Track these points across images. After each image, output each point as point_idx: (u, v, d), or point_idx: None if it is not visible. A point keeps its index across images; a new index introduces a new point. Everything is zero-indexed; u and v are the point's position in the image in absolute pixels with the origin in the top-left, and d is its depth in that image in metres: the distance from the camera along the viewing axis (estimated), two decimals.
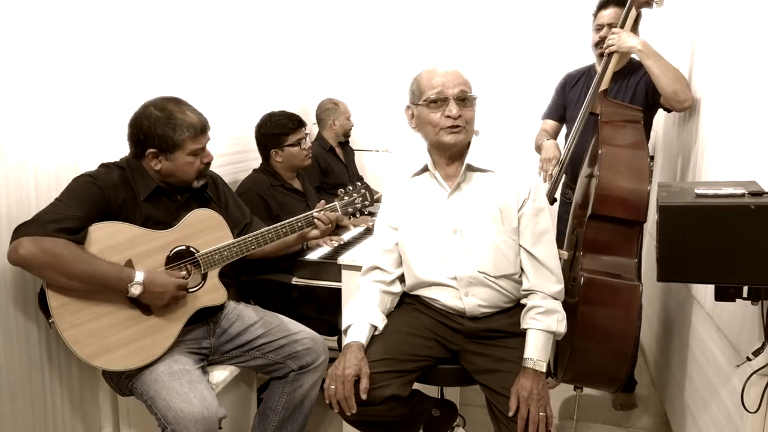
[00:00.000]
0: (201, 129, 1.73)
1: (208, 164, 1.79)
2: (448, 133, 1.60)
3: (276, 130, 2.46)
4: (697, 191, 1.22)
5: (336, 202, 1.93)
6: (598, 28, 2.36)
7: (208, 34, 2.55)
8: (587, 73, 2.49)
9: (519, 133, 2.66)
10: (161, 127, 1.66)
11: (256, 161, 2.60)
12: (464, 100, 1.59)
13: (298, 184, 2.58)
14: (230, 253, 1.78)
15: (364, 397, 1.47)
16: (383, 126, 3.79)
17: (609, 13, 2.33)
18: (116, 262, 1.59)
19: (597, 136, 2.11)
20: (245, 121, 2.88)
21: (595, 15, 2.40)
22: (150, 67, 2.11)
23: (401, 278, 1.76)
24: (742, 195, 1.18)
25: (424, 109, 1.61)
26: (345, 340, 1.61)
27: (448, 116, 1.58)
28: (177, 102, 1.73)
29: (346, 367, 1.50)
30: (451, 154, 1.66)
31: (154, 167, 1.71)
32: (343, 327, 1.66)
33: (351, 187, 1.95)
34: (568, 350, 1.95)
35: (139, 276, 1.57)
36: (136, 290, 1.57)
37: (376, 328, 1.63)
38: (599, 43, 2.33)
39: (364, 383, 1.48)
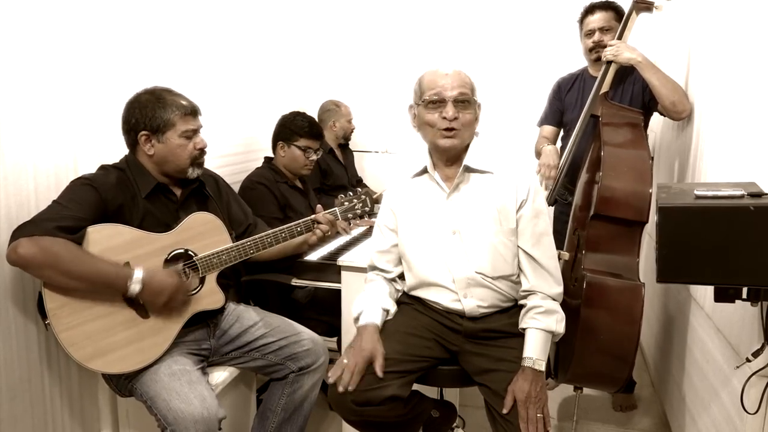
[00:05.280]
0: (191, 110, 1.74)
1: (203, 151, 1.78)
2: (442, 137, 1.60)
3: (293, 126, 2.51)
4: (696, 192, 1.22)
5: (336, 208, 1.93)
6: (589, 33, 2.39)
7: (210, 35, 2.55)
8: (580, 77, 2.51)
9: (519, 135, 2.67)
10: (151, 108, 1.68)
11: (257, 162, 2.61)
12: (463, 102, 1.59)
13: (300, 185, 2.59)
14: (228, 257, 1.78)
15: (380, 374, 1.50)
16: (383, 127, 3.79)
17: (597, 18, 2.36)
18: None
19: (598, 138, 2.12)
20: (247, 123, 2.89)
21: (582, 21, 2.43)
22: (150, 68, 2.11)
23: (401, 276, 1.77)
24: (742, 196, 1.18)
25: (423, 110, 1.62)
26: (358, 324, 1.64)
27: (444, 118, 1.58)
28: (167, 89, 1.75)
29: (363, 347, 1.54)
30: (449, 157, 1.66)
31: (148, 152, 1.70)
32: (354, 314, 1.68)
33: (351, 193, 1.95)
34: (570, 350, 1.95)
35: (138, 273, 1.56)
36: (135, 287, 1.56)
37: (388, 312, 1.68)
38: (593, 49, 2.36)
39: (380, 361, 1.52)
